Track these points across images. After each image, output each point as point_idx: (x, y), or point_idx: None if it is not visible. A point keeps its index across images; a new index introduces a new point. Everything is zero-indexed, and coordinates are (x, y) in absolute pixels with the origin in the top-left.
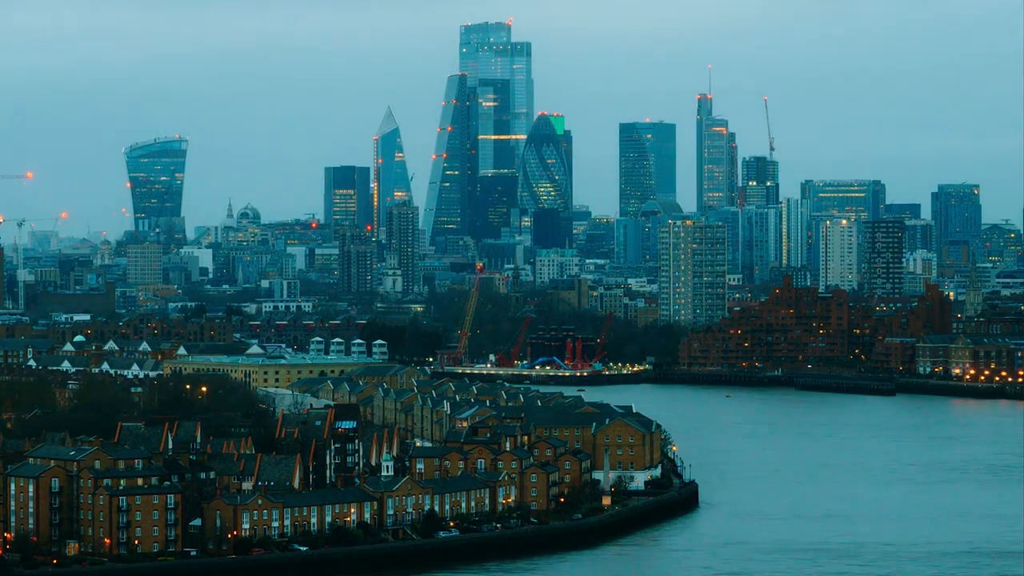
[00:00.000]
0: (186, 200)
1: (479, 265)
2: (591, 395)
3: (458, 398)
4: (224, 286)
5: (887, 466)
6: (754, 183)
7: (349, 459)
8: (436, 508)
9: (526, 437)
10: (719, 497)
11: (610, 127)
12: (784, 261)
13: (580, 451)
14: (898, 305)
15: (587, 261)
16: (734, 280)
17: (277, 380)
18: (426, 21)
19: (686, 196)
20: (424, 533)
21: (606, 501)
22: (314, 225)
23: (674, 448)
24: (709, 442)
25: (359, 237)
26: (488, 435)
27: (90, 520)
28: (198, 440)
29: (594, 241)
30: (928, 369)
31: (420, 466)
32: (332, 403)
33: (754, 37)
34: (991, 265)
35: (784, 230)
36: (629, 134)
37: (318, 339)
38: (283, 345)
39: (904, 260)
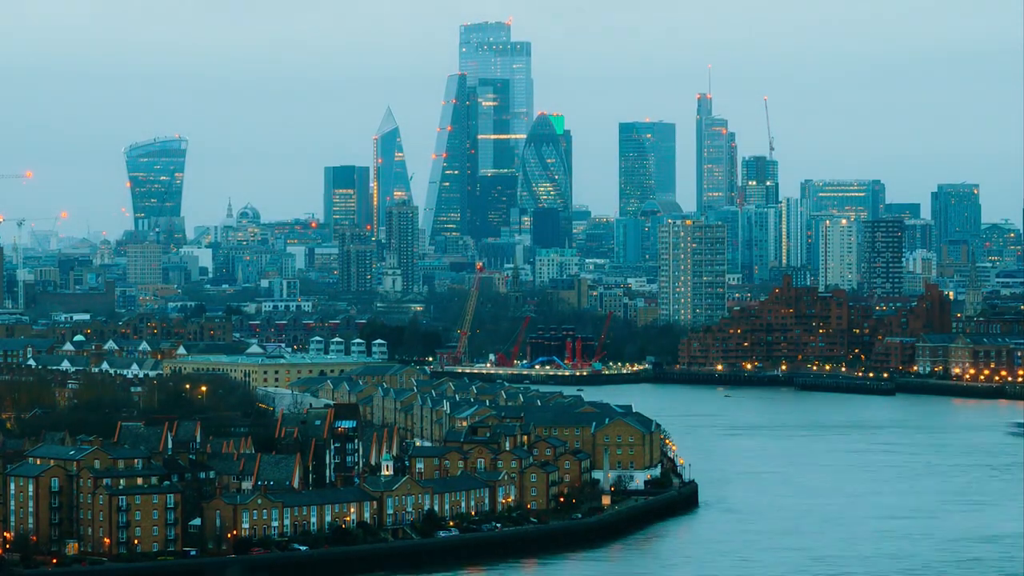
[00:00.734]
0: (186, 200)
1: (479, 265)
2: (591, 395)
3: (458, 398)
4: (224, 286)
5: (887, 466)
6: (754, 183)
7: (349, 459)
8: (436, 508)
9: (526, 437)
10: (719, 497)
11: (610, 127)
12: (784, 261)
13: (580, 451)
14: (898, 305)
15: (587, 261)
16: (734, 280)
17: (277, 380)
18: (426, 21)
19: (686, 196)
20: (424, 533)
21: (606, 501)
22: (314, 225)
23: (673, 448)
24: (709, 442)
25: (359, 237)
26: (488, 435)
27: (90, 520)
28: (198, 440)
29: (594, 241)
30: (928, 369)
31: (420, 466)
32: (332, 403)
33: (754, 37)
34: (991, 265)
35: (784, 230)
36: (629, 134)
37: (318, 339)
38: (283, 345)
39: (904, 260)
